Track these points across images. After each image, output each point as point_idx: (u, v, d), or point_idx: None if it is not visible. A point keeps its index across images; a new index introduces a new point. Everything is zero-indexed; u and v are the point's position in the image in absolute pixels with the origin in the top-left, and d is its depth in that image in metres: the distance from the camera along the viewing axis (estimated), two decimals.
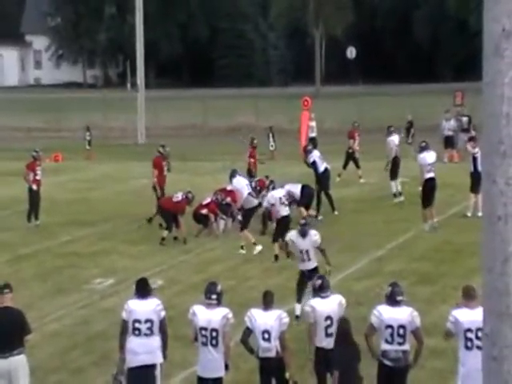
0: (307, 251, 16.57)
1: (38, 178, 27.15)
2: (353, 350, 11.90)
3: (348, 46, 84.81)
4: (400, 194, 29.83)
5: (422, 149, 26.02)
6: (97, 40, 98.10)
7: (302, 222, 17.15)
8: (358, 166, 33.73)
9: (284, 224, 22.40)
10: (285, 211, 22.92)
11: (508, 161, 7.36)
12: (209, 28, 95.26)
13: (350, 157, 34.09)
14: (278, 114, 53.39)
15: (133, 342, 12.70)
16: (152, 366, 12.63)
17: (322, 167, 28.31)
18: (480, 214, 22.69)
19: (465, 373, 11.63)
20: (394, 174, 30.15)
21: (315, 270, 16.31)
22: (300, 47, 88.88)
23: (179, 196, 25.30)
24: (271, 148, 40.80)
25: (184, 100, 72.15)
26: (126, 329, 12.79)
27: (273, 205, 23.07)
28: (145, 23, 53.75)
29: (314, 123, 43.55)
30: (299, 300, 16.54)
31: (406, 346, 12.25)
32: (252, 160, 32.94)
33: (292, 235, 17.01)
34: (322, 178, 28.16)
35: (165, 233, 24.62)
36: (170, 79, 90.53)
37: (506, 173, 7.36)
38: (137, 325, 12.72)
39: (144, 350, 12.64)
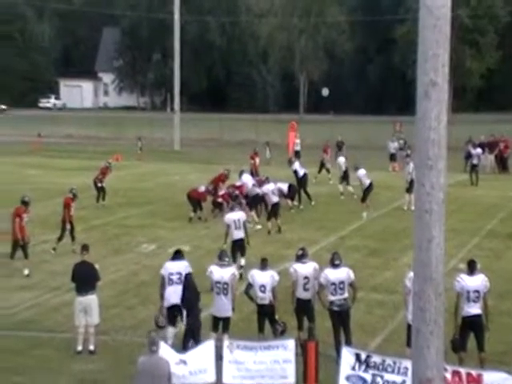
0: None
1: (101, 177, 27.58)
2: (196, 291, 12.35)
3: (323, 87, 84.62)
4: (341, 194, 29.62)
5: (358, 167, 26.26)
6: (147, 77, 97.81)
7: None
8: (328, 172, 33.75)
9: (275, 208, 22.95)
10: (275, 199, 23.18)
11: (433, 172, 7.42)
12: (225, 70, 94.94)
13: (323, 165, 34.15)
14: (272, 133, 53.23)
15: (168, 290, 12.78)
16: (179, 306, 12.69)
17: (301, 172, 28.39)
18: (413, 208, 22.72)
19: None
20: (342, 180, 30.11)
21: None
22: (289, 86, 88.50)
23: (202, 188, 25.31)
24: (268, 157, 40.76)
25: (207, 121, 71.90)
26: (163, 282, 12.83)
27: (266, 194, 23.34)
28: (181, 66, 53.52)
29: (298, 140, 43.37)
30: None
31: (346, 295, 12.37)
32: (252, 162, 33.15)
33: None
34: (302, 180, 28.24)
35: (192, 214, 24.63)
36: (197, 105, 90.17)
37: (431, 180, 7.42)
38: (171, 277, 12.81)
39: (175, 294, 12.69)
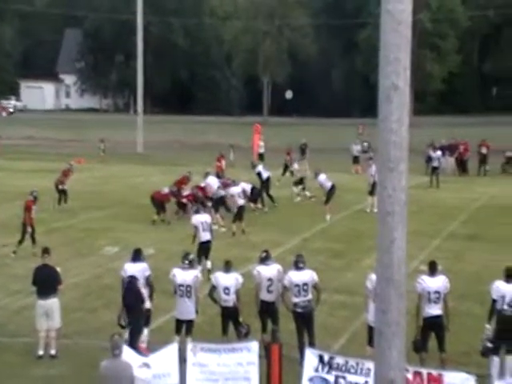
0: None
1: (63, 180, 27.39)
2: (139, 294, 12.33)
3: (287, 90, 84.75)
4: (298, 195, 29.86)
5: (318, 173, 26.31)
6: (110, 79, 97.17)
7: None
8: (292, 174, 33.76)
9: (241, 210, 23.16)
10: (241, 201, 23.36)
11: (394, 174, 7.47)
12: (189, 72, 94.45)
13: (287, 167, 34.24)
14: (236, 135, 53.26)
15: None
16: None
17: (265, 175, 28.45)
18: (375, 210, 22.85)
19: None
20: (297, 184, 30.34)
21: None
22: (253, 89, 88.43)
23: (166, 190, 25.23)
24: (232, 159, 40.71)
25: (171, 123, 71.74)
26: (122, 284, 12.79)
27: (232, 196, 23.51)
28: (144, 67, 53.29)
29: (262, 143, 43.39)
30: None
31: (309, 297, 12.40)
32: (218, 164, 33.15)
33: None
34: (265, 183, 28.30)
35: (155, 216, 24.51)
36: (161, 107, 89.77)
37: (392, 182, 7.48)
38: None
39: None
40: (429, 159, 36.31)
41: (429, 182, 34.30)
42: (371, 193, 26.04)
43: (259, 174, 28.46)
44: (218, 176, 29.30)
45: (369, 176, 27.18)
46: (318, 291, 12.58)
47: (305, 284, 12.37)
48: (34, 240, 19.78)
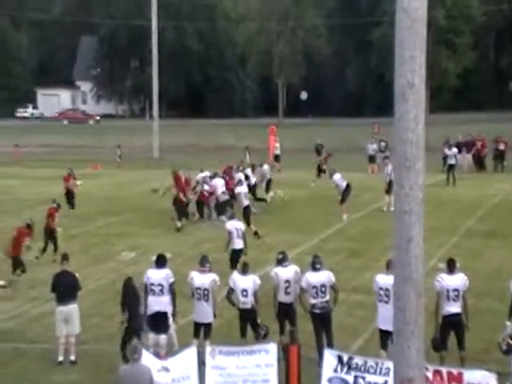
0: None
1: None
2: (137, 297, 12.59)
3: (301, 91, 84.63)
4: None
5: (333, 173, 26.27)
6: (125, 84, 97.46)
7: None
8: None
9: (247, 211, 23.05)
10: (246, 202, 23.40)
11: (411, 173, 7.42)
12: (203, 76, 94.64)
13: (320, 169, 34.29)
14: (252, 137, 53.26)
15: (150, 298, 12.69)
16: (164, 313, 12.61)
17: (253, 180, 27.92)
18: (392, 208, 22.73)
19: (381, 318, 11.69)
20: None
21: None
22: (268, 90, 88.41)
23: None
24: (247, 162, 40.60)
25: (185, 127, 71.94)
26: (145, 290, 12.73)
27: (239, 194, 23.58)
28: (159, 72, 53.36)
29: (278, 144, 43.29)
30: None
31: (327, 298, 12.35)
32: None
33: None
34: (252, 188, 27.44)
35: (178, 223, 24.06)
36: (176, 111, 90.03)
37: (410, 181, 7.42)
38: (152, 287, 12.72)
39: (156, 303, 12.59)
40: (446, 157, 36.15)
41: (445, 180, 34.09)
42: (388, 192, 25.96)
43: (247, 177, 27.49)
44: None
45: (385, 175, 27.09)
46: (336, 292, 12.53)
47: (322, 285, 12.31)
48: (56, 247, 19.87)
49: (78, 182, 28.08)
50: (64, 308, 12.95)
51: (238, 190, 23.77)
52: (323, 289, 12.31)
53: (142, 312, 12.63)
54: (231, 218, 18.28)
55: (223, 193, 25.01)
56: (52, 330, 13.24)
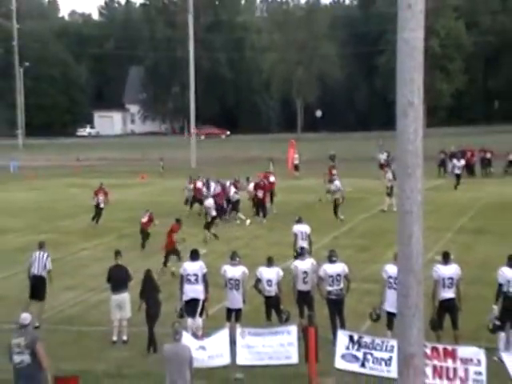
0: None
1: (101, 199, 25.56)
2: (155, 286, 12.78)
3: (317, 109, 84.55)
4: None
5: (333, 180, 26.45)
6: (167, 106, 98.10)
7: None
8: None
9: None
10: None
11: (412, 179, 7.40)
12: (234, 99, 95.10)
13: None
14: (275, 150, 53.20)
15: (186, 287, 12.70)
16: (197, 300, 12.62)
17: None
18: (394, 209, 22.71)
19: (390, 302, 11.60)
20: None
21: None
22: (288, 110, 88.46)
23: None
24: (271, 170, 40.57)
25: (220, 141, 72.14)
26: (182, 280, 12.76)
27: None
28: (196, 96, 53.63)
29: (297, 155, 43.25)
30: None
31: (341, 286, 12.36)
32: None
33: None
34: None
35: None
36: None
37: (410, 186, 7.40)
38: (188, 277, 12.72)
39: (192, 291, 12.60)
40: (441, 163, 36.23)
41: (454, 186, 33.97)
42: (389, 194, 26.32)
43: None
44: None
45: (387, 180, 27.29)
46: (348, 281, 12.52)
47: (338, 275, 12.33)
48: (179, 257, 17.53)
49: (157, 222, 22.67)
50: (117, 296, 13.03)
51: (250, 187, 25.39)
52: (338, 278, 12.32)
53: (160, 301, 12.66)
54: (298, 222, 17.30)
55: (235, 192, 25.73)
56: (108, 314, 13.34)
